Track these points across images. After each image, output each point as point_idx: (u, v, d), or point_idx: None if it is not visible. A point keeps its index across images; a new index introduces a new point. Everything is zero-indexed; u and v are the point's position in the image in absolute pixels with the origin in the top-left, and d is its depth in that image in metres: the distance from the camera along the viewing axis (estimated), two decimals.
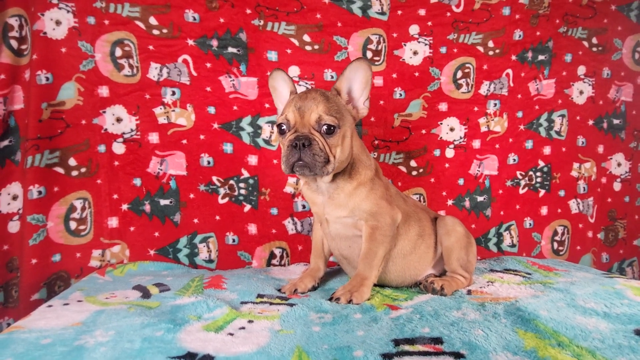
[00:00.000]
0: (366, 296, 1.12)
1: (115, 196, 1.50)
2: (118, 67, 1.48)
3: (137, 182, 1.52)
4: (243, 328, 0.92)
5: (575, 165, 1.88)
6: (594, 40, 1.87)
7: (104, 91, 1.48)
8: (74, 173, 1.46)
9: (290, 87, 1.20)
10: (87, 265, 1.47)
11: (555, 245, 1.88)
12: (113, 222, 1.50)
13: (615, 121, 1.91)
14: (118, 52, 1.48)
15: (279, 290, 1.23)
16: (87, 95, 1.46)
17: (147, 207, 1.53)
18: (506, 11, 1.76)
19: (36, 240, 1.37)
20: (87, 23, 1.44)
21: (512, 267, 1.54)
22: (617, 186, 1.93)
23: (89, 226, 1.48)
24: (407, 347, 0.83)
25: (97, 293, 1.17)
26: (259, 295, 1.16)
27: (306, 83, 1.62)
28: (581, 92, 1.87)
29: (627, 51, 1.91)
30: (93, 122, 1.47)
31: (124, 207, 1.51)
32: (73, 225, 1.45)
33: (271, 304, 1.10)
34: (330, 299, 1.11)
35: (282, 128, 1.11)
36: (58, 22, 1.41)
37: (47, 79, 1.40)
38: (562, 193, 1.87)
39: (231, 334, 0.88)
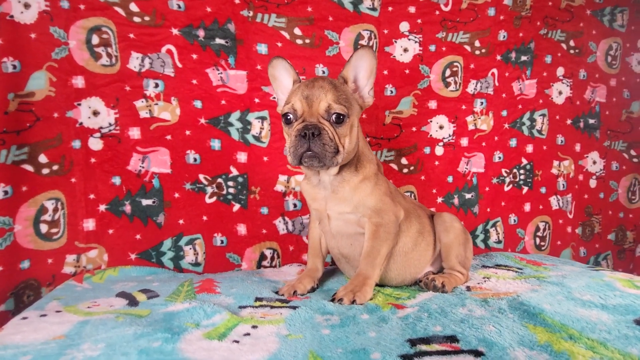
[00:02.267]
0: (369, 296, 1.09)
1: (91, 196, 1.38)
2: (95, 56, 1.37)
3: (117, 180, 1.41)
4: (248, 334, 0.86)
5: (555, 163, 1.94)
6: (572, 43, 1.94)
7: (79, 82, 1.36)
8: (45, 171, 1.33)
9: (292, 75, 1.15)
10: (60, 272, 1.34)
11: (538, 240, 1.93)
12: (89, 224, 1.39)
13: (591, 121, 1.99)
14: (95, 39, 1.36)
15: (276, 292, 1.17)
16: (60, 85, 1.33)
17: (128, 208, 1.42)
18: (491, 12, 1.79)
19: (2, 246, 1.23)
20: (60, 7, 1.32)
21: (502, 262, 1.56)
22: (592, 183, 2.01)
23: (62, 229, 1.35)
24: (424, 347, 0.80)
25: (76, 302, 1.06)
26: (258, 299, 1.10)
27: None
28: (560, 93, 1.94)
29: (601, 54, 2.00)
30: (67, 115, 1.35)
31: (102, 207, 1.40)
32: (44, 228, 1.32)
33: (272, 307, 1.04)
34: (333, 300, 1.07)
35: (289, 118, 1.05)
36: (27, 5, 1.28)
37: (15, 67, 1.27)
38: (543, 190, 1.93)
39: (237, 341, 0.82)
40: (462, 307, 1.03)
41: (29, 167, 1.30)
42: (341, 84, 1.10)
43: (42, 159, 1.32)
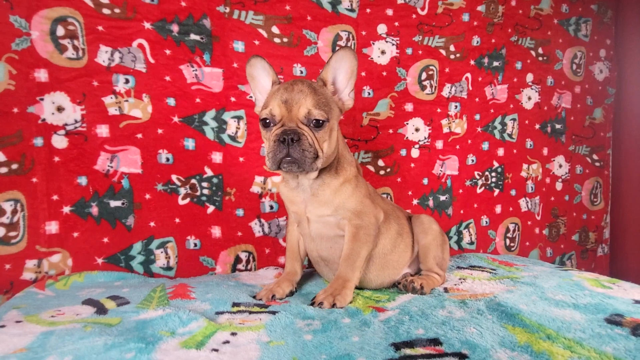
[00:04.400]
0: (349, 299, 1.08)
1: (55, 197, 1.30)
2: (60, 49, 1.29)
3: (83, 180, 1.33)
4: (227, 342, 0.83)
5: (525, 166, 2.01)
6: (540, 50, 2.01)
7: (41, 75, 1.27)
8: (3, 170, 1.23)
9: (271, 76, 1.12)
10: (19, 278, 1.25)
11: (508, 241, 1.98)
12: (52, 227, 1.30)
13: (557, 126, 2.08)
14: (60, 31, 1.28)
15: (254, 297, 1.14)
16: (20, 79, 1.25)
17: (95, 210, 1.34)
18: (466, 17, 1.83)
19: None
20: None
21: (476, 263, 1.59)
22: (559, 186, 2.09)
23: (22, 232, 1.26)
24: (408, 351, 0.80)
25: (38, 311, 0.99)
26: (235, 304, 1.06)
27: None
28: (529, 98, 2.01)
29: (567, 62, 2.08)
30: (28, 110, 1.26)
31: (66, 209, 1.31)
32: (1, 231, 1.23)
33: (251, 312, 1.01)
34: (312, 304, 1.05)
35: (267, 122, 1.03)
36: None
37: None
38: (513, 192, 1.99)
39: (216, 350, 0.79)
40: (442, 309, 1.04)
41: None
42: (320, 87, 1.08)
43: (0, 157, 1.23)
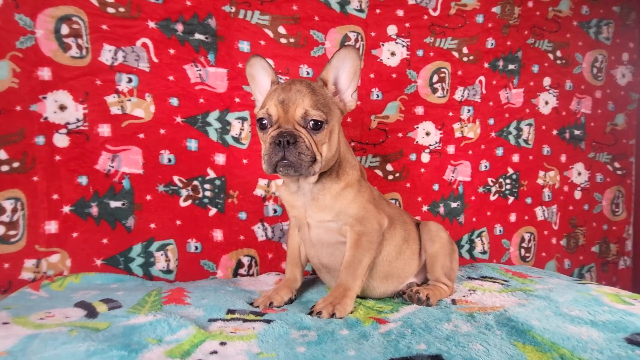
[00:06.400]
0: (349, 309, 1.02)
1: (55, 196, 1.29)
2: (64, 47, 1.28)
3: (83, 180, 1.31)
4: (215, 352, 0.78)
5: (541, 173, 1.92)
6: (558, 53, 1.93)
7: (45, 73, 1.27)
8: (4, 168, 1.23)
9: (271, 76, 1.08)
10: (18, 277, 1.24)
11: (523, 251, 1.89)
12: (51, 226, 1.28)
13: (576, 132, 1.99)
14: (64, 29, 1.28)
15: (251, 304, 1.09)
16: (24, 77, 1.24)
17: (94, 210, 1.32)
18: (480, 19, 1.77)
19: None
20: None
21: (488, 274, 1.51)
22: (577, 194, 2.00)
23: (22, 231, 1.25)
24: None
25: (28, 312, 0.96)
26: (230, 311, 1.02)
27: (280, 78, 1.51)
28: (546, 103, 1.92)
29: (587, 66, 2.00)
30: (30, 108, 1.25)
31: (66, 209, 1.30)
32: (1, 230, 1.22)
33: (245, 320, 0.96)
34: (311, 313, 1.00)
35: (263, 123, 0.99)
36: None
37: None
38: (529, 200, 1.90)
39: None
40: (447, 322, 0.98)
41: None
42: (320, 87, 1.03)
43: (2, 155, 1.22)
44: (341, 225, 1.07)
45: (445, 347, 0.82)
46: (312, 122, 0.96)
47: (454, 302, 1.16)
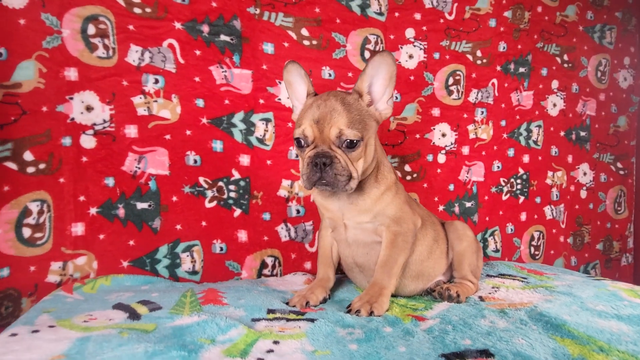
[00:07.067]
0: (386, 307, 1.04)
1: (81, 198, 1.27)
2: (90, 47, 1.27)
3: (110, 182, 1.30)
4: (271, 351, 0.80)
5: (550, 173, 1.98)
6: (565, 57, 1.99)
7: (71, 74, 1.25)
8: (30, 170, 1.21)
9: (306, 84, 1.09)
10: (44, 280, 1.22)
11: (532, 249, 1.95)
12: (78, 228, 1.27)
13: (582, 133, 2.05)
14: (91, 29, 1.26)
15: (287, 303, 1.10)
16: (50, 77, 1.22)
17: (121, 212, 1.31)
18: (492, 23, 1.81)
19: None
20: None
21: (505, 272, 1.55)
22: (583, 194, 2.06)
23: (48, 234, 1.23)
24: None
25: (70, 315, 0.95)
26: (270, 311, 1.03)
27: None
28: (554, 105, 1.98)
29: (591, 69, 2.06)
30: (57, 109, 1.24)
31: (93, 211, 1.29)
32: (27, 232, 1.20)
33: (288, 319, 0.97)
34: (349, 311, 1.01)
35: (300, 142, 1.01)
36: None
37: (1, 55, 1.15)
38: (538, 200, 1.95)
39: (261, 359, 0.76)
40: (483, 318, 1.01)
41: (12, 165, 1.18)
42: (355, 101, 1.03)
43: (28, 156, 1.21)
44: (377, 225, 1.09)
45: (490, 342, 0.85)
46: (347, 142, 0.98)
47: (481, 298, 1.20)
